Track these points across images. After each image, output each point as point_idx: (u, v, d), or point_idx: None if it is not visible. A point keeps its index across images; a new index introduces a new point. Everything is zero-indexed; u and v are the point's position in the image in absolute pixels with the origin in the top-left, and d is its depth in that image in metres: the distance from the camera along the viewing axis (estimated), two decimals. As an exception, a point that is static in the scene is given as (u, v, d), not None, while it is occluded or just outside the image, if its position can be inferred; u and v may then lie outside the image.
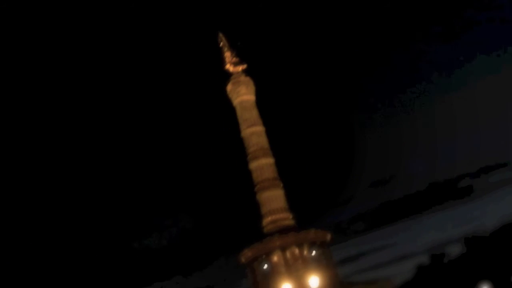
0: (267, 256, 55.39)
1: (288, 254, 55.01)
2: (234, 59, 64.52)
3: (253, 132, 61.12)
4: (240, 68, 64.23)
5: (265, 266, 55.53)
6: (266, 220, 57.73)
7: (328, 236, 57.98)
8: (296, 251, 55.28)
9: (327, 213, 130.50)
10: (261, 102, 63.82)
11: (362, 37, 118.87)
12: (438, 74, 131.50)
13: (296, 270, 54.19)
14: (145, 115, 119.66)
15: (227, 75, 64.31)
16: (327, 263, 56.94)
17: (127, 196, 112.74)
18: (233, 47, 65.08)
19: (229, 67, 64.20)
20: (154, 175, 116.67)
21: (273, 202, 58.07)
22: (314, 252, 56.28)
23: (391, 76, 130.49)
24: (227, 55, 64.66)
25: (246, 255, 56.58)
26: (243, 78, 63.71)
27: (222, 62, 64.65)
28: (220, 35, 65.13)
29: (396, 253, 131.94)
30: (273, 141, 61.82)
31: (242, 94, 62.95)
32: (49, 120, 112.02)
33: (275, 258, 55.33)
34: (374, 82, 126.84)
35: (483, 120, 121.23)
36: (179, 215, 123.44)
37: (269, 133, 61.75)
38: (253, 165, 59.75)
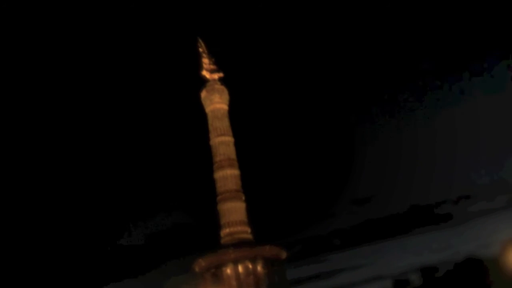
0: (220, 267, 55.13)
1: (240, 268, 54.77)
2: (211, 66, 64.20)
3: (222, 141, 60.86)
4: (216, 75, 63.88)
5: (217, 278, 55.27)
6: (224, 232, 57.44)
7: (283, 254, 57.74)
8: (250, 265, 55.04)
9: (303, 228, 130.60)
10: (234, 112, 63.79)
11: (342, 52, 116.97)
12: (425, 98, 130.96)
13: (247, 285, 54.07)
14: (116, 116, 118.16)
15: (203, 81, 64.04)
16: (280, 281, 56.76)
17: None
18: (211, 54, 64.79)
19: (206, 73, 63.85)
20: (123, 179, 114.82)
21: (233, 214, 57.78)
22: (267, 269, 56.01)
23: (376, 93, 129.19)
24: (205, 61, 64.31)
25: (199, 264, 56.29)
26: (218, 86, 63.37)
27: (199, 67, 64.35)
28: (200, 40, 64.81)
29: (370, 273, 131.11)
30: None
31: (215, 102, 62.63)
32: (36, 126, 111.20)
33: (228, 270, 55.07)
34: (357, 97, 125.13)
35: (473, 149, 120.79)
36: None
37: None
38: (218, 174, 59.47)
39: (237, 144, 61.53)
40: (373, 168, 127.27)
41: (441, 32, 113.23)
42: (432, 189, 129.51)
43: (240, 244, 55.43)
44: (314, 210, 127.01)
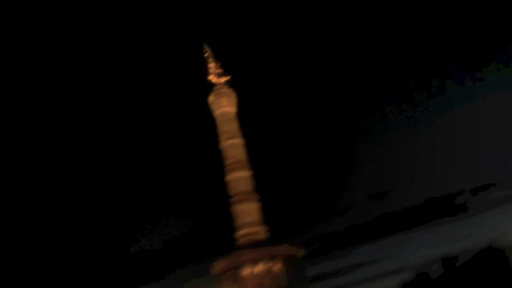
0: (237, 269, 55.41)
1: (258, 268, 54.99)
2: (218, 70, 64.79)
3: (232, 144, 61.25)
4: (223, 79, 64.43)
5: (234, 279, 55.54)
6: (240, 233, 57.74)
7: (301, 252, 57.82)
8: (267, 265, 55.25)
9: (321, 224, 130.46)
10: (243, 114, 64.24)
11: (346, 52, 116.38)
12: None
13: (265, 285, 54.32)
14: (124, 122, 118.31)
15: (210, 86, 64.59)
16: (299, 278, 56.86)
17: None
18: (217, 58, 65.39)
19: (212, 77, 64.44)
20: (133, 186, 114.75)
21: (247, 215, 58.09)
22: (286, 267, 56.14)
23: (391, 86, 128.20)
24: (211, 65, 64.95)
25: (216, 267, 56.65)
26: (225, 89, 63.89)
27: (205, 72, 64.96)
28: (205, 45, 65.46)
29: (391, 267, 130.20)
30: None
31: (223, 105, 63.13)
32: (37, 128, 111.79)
33: (245, 271, 55.31)
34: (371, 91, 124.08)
35: (486, 137, 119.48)
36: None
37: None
38: (230, 177, 59.85)
39: (248, 145, 62.01)
40: (390, 161, 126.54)
41: (446, 31, 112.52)
42: (450, 179, 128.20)
43: (256, 244, 55.67)
44: (331, 206, 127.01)
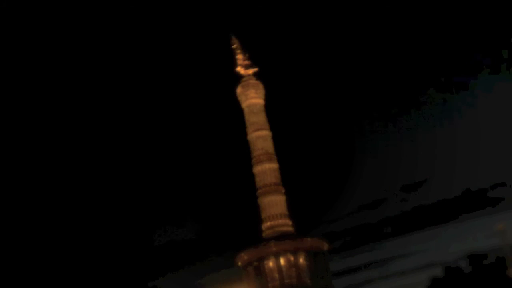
0: (262, 261, 55.66)
1: (282, 260, 55.16)
2: (246, 62, 64.59)
3: (259, 136, 61.18)
4: (251, 71, 64.21)
5: (259, 271, 55.83)
6: (265, 225, 57.94)
7: (325, 245, 57.63)
8: (291, 258, 55.34)
9: (353, 216, 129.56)
10: (271, 106, 64.01)
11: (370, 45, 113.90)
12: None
13: (289, 277, 54.52)
14: (154, 114, 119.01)
15: (238, 77, 64.55)
16: (323, 272, 56.76)
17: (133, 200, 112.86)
18: (245, 50, 65.19)
19: (240, 69, 64.29)
20: (161, 178, 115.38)
21: (273, 207, 58.15)
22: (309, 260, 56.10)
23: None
24: (239, 57, 64.78)
25: (242, 258, 57.02)
26: (253, 81, 63.72)
27: (233, 64, 64.90)
28: (233, 37, 65.33)
29: (421, 261, 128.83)
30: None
31: (251, 97, 63.01)
32: (72, 123, 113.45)
33: (270, 263, 55.55)
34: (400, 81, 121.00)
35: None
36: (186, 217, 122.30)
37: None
38: (257, 169, 59.89)
39: (276, 138, 61.85)
40: (424, 153, 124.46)
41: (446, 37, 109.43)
42: (484, 173, 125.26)
43: (281, 237, 55.77)
44: (363, 198, 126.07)
